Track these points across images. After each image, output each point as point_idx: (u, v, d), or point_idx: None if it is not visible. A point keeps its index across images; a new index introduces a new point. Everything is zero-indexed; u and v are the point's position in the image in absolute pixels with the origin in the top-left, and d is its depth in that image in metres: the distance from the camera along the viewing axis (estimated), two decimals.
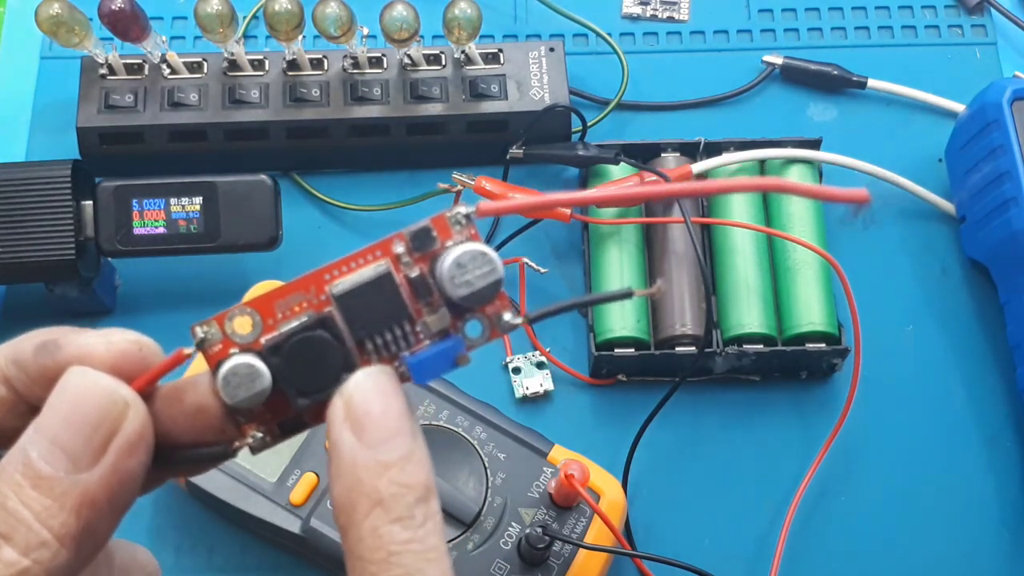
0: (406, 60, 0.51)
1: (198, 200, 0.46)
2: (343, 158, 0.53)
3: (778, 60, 0.55)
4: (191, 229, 0.46)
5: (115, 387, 0.22)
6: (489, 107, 0.51)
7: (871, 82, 0.55)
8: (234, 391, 0.22)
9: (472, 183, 0.49)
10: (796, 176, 0.50)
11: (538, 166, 0.52)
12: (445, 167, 0.51)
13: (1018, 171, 0.46)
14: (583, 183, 0.51)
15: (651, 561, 0.44)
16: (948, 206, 0.52)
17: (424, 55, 0.51)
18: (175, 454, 0.23)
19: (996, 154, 0.47)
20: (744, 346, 0.47)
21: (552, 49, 0.52)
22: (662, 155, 0.51)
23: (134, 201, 0.46)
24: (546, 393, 0.48)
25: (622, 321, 0.47)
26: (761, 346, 0.46)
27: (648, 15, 0.58)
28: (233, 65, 0.51)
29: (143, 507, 0.46)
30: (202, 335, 0.23)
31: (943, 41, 0.57)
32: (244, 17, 0.56)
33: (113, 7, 0.47)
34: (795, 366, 0.48)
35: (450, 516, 0.41)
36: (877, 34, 0.57)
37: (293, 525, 0.41)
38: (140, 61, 0.51)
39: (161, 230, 0.46)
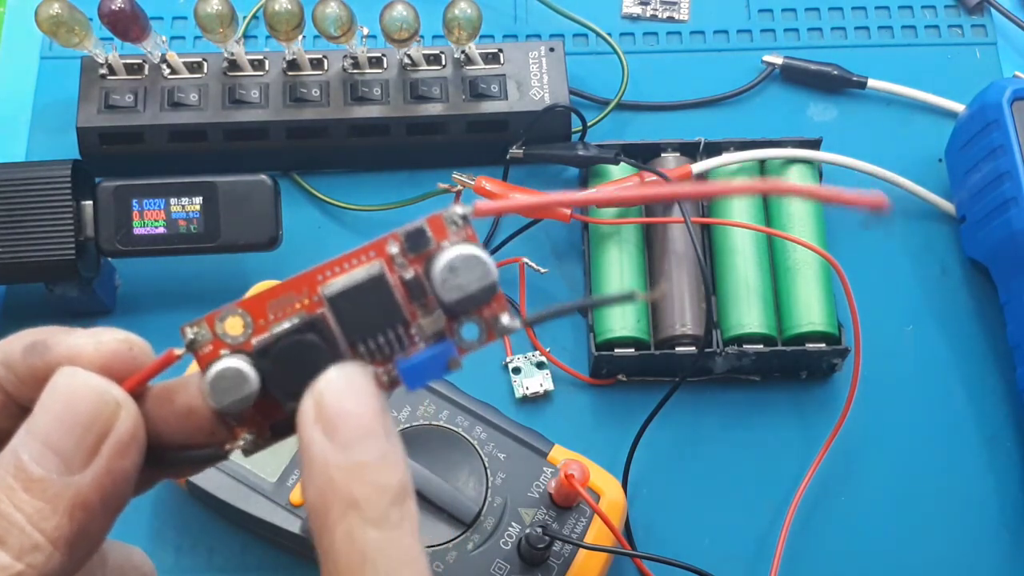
0: (406, 60, 0.51)
1: (198, 200, 0.46)
2: (343, 158, 0.53)
3: (778, 60, 0.55)
4: (191, 229, 0.46)
5: (106, 387, 0.21)
6: (489, 107, 0.51)
7: (871, 82, 0.55)
8: (221, 395, 0.22)
9: (472, 183, 0.49)
10: (796, 176, 0.50)
11: (538, 166, 0.52)
12: (445, 167, 0.51)
13: (1018, 171, 0.46)
14: (583, 183, 0.51)
15: (651, 561, 0.44)
16: (948, 206, 0.52)
17: (424, 55, 0.51)
18: (167, 455, 0.23)
19: (996, 154, 0.47)
20: (744, 346, 0.47)
21: (552, 49, 0.52)
22: (662, 155, 0.51)
23: (134, 201, 0.45)
24: (546, 393, 0.48)
25: (622, 321, 0.47)
26: (761, 346, 0.46)
27: (648, 15, 0.58)
28: (233, 65, 0.51)
29: (143, 507, 0.46)
30: (192, 336, 0.22)
31: (943, 41, 0.57)
32: (244, 17, 0.56)
33: (113, 7, 0.47)
34: (795, 366, 0.48)
35: (450, 516, 0.41)
36: (877, 34, 0.57)
37: (293, 525, 0.41)
38: (140, 61, 0.51)
39: (161, 230, 0.46)
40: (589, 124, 0.51)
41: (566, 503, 0.41)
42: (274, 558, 0.45)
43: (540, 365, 0.48)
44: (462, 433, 0.43)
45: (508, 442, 0.43)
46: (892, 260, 0.52)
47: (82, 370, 0.21)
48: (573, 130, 0.52)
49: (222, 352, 0.22)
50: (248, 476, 0.42)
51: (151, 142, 0.50)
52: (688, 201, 0.48)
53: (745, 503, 0.46)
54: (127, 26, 0.47)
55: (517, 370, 0.48)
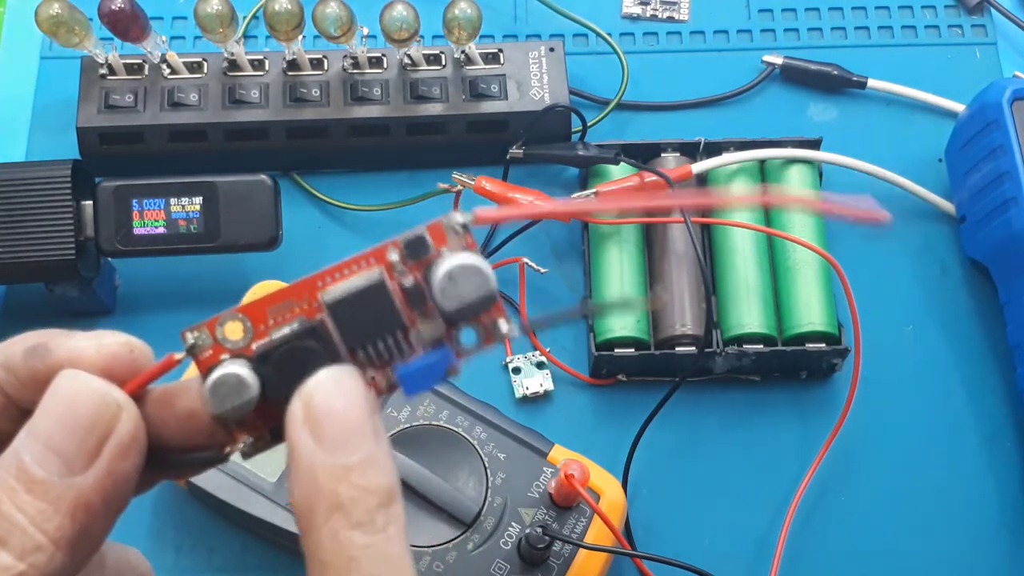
0: (406, 60, 0.51)
1: (198, 200, 0.46)
2: (343, 158, 0.53)
3: (778, 60, 0.55)
4: (191, 229, 0.46)
5: (107, 390, 0.21)
6: (489, 107, 0.51)
7: (871, 82, 0.55)
8: (221, 401, 0.22)
9: (472, 183, 0.49)
10: (796, 176, 0.50)
11: (538, 166, 0.52)
12: (445, 167, 0.51)
13: (1018, 171, 0.46)
14: (583, 183, 0.51)
15: (651, 561, 0.44)
16: (948, 206, 0.52)
17: (424, 55, 0.51)
18: (167, 457, 0.23)
19: (996, 154, 0.47)
20: (744, 346, 0.47)
21: (552, 49, 0.52)
22: (662, 155, 0.51)
23: (134, 201, 0.45)
24: (546, 393, 0.48)
25: (622, 321, 0.47)
26: (761, 346, 0.46)
27: (648, 15, 0.58)
28: (233, 65, 0.51)
29: (143, 507, 0.46)
30: (192, 340, 0.22)
31: (943, 41, 0.57)
32: (244, 17, 0.56)
33: (113, 7, 0.47)
34: (795, 366, 0.48)
35: (450, 516, 0.41)
36: (877, 34, 0.57)
37: (293, 525, 0.41)
38: (140, 61, 0.51)
39: (161, 230, 0.46)
40: (589, 124, 0.51)
41: (566, 503, 0.41)
42: (274, 558, 0.45)
43: (540, 365, 0.48)
44: (462, 433, 0.43)
45: (508, 442, 0.43)
46: (892, 260, 0.52)
47: (84, 373, 0.21)
48: (573, 130, 0.52)
49: (222, 357, 0.22)
50: (248, 476, 0.42)
51: (151, 142, 0.50)
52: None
53: (745, 503, 0.46)
54: (127, 26, 0.47)
55: (517, 370, 0.48)
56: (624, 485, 0.45)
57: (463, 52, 0.51)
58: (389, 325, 0.23)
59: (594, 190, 0.49)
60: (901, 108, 0.55)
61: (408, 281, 0.23)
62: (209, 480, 0.42)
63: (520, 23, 0.57)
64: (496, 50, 0.52)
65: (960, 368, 0.49)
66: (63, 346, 0.22)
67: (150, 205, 0.46)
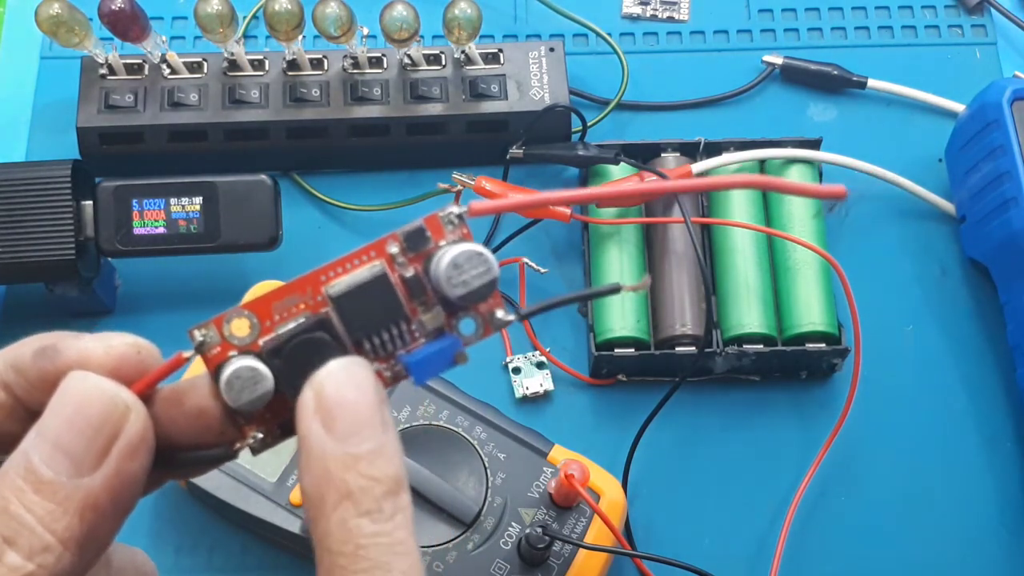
0: (406, 60, 0.51)
1: (198, 200, 0.46)
2: (343, 158, 0.53)
3: (778, 60, 0.55)
4: (191, 229, 0.46)
5: (116, 390, 0.22)
6: (489, 107, 0.51)
7: (871, 82, 0.55)
8: (238, 394, 0.22)
9: (472, 183, 0.49)
10: (796, 176, 0.50)
11: (538, 166, 0.52)
12: (445, 167, 0.51)
13: (1018, 171, 0.46)
14: (583, 183, 0.51)
15: (651, 561, 0.44)
16: (948, 206, 0.52)
17: (424, 55, 0.51)
18: (175, 456, 0.23)
19: (996, 154, 0.47)
20: (744, 346, 0.47)
21: (552, 49, 0.52)
22: (662, 155, 0.51)
23: (134, 201, 0.46)
24: (546, 393, 0.48)
25: (622, 321, 0.47)
26: (761, 346, 0.46)
27: (648, 15, 0.58)
28: (233, 65, 0.51)
29: (143, 507, 0.45)
30: (200, 338, 0.23)
31: (943, 41, 0.57)
32: (244, 17, 0.56)
33: (113, 7, 0.47)
34: (795, 366, 0.48)
35: (450, 516, 0.41)
36: (877, 34, 0.57)
37: (293, 525, 0.41)
38: (140, 61, 0.51)
39: (161, 230, 0.46)
40: (589, 124, 0.51)
41: (566, 503, 0.41)
42: (274, 558, 0.45)
43: (540, 365, 0.48)
44: (462, 433, 0.43)
45: (508, 442, 0.43)
46: (892, 260, 0.52)
47: (92, 374, 0.22)
48: (573, 130, 0.52)
49: (230, 354, 0.23)
50: (248, 476, 0.42)
51: (151, 142, 0.50)
52: (688, 201, 0.49)
53: (745, 503, 0.46)
54: (127, 26, 0.47)
55: (517, 370, 0.48)
56: (624, 485, 0.45)
57: (463, 52, 0.51)
58: (393, 316, 0.23)
59: (587, 189, 0.49)
60: (901, 108, 0.55)
61: (408, 272, 0.23)
62: (209, 480, 0.42)
63: (520, 23, 0.57)
64: (496, 50, 0.52)
65: (960, 368, 0.49)
66: (72, 347, 0.22)
67: (150, 205, 0.46)
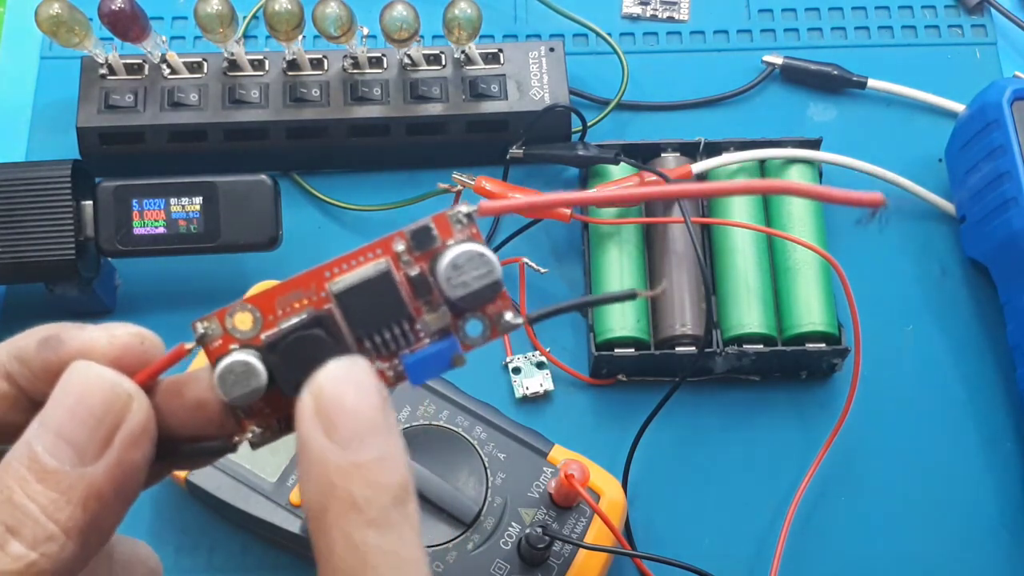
0: (406, 60, 0.51)
1: (198, 200, 0.46)
2: (343, 158, 0.53)
3: (778, 60, 0.55)
4: (191, 229, 0.46)
5: (119, 380, 0.22)
6: (489, 107, 0.51)
7: (871, 82, 0.55)
8: (230, 388, 0.22)
9: (472, 183, 0.49)
10: (796, 176, 0.50)
11: (538, 166, 0.52)
12: (445, 167, 0.51)
13: (1018, 171, 0.46)
14: (583, 183, 0.51)
15: (651, 561, 0.44)
16: (948, 206, 0.52)
17: (424, 55, 0.51)
18: (176, 448, 0.23)
19: (996, 154, 0.47)
20: (744, 346, 0.47)
21: (552, 49, 0.52)
22: (662, 155, 0.51)
23: (134, 201, 0.46)
24: (546, 393, 0.48)
25: (622, 321, 0.47)
26: (761, 346, 0.46)
27: (648, 15, 0.58)
28: (233, 65, 0.51)
29: (143, 507, 0.46)
30: (203, 330, 0.23)
31: (943, 41, 0.57)
32: (244, 17, 0.56)
33: (113, 7, 0.47)
34: (795, 366, 0.48)
35: (450, 516, 0.41)
36: (877, 34, 0.57)
37: (293, 525, 0.41)
38: (140, 61, 0.51)
39: (161, 230, 0.46)
40: (589, 124, 0.51)
41: (566, 503, 0.41)
42: (274, 558, 0.45)
43: (540, 365, 0.48)
44: (462, 433, 0.43)
45: (508, 442, 0.43)
46: (892, 260, 0.52)
47: (95, 364, 0.22)
48: (573, 130, 0.52)
49: (231, 347, 0.23)
50: (248, 476, 0.42)
51: (151, 142, 0.50)
52: (688, 201, 0.49)
53: (745, 503, 0.46)
54: (127, 26, 0.47)
55: (517, 370, 0.48)
56: (624, 485, 0.45)
57: (463, 52, 0.51)
58: (396, 315, 0.23)
59: (594, 190, 0.49)
60: (901, 108, 0.55)
61: (414, 271, 0.23)
62: (209, 480, 0.42)
63: (520, 23, 0.57)
64: (496, 50, 0.52)
65: (960, 368, 0.49)
66: (76, 338, 0.22)
67: (150, 205, 0.46)
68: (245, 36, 0.56)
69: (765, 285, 0.48)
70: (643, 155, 0.51)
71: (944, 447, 0.48)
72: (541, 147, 0.51)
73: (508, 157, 0.50)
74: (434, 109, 0.51)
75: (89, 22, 0.48)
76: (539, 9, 0.56)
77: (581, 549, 0.40)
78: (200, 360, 0.23)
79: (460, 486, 0.41)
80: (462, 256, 0.22)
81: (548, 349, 0.49)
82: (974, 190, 0.49)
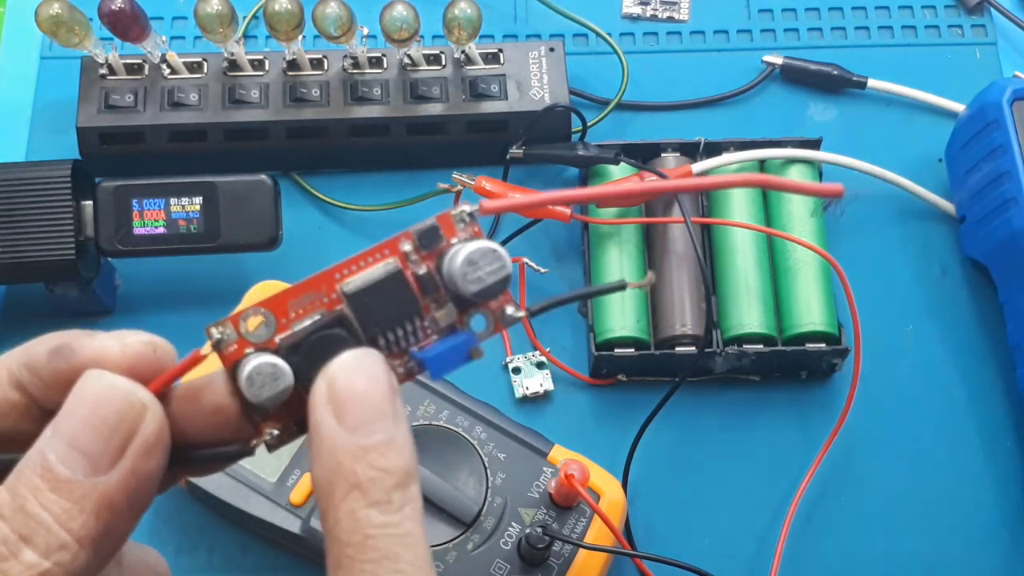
0: (406, 60, 0.51)
1: (198, 200, 0.46)
2: (343, 158, 0.53)
3: (778, 60, 0.55)
4: (191, 229, 0.46)
5: (132, 389, 0.22)
6: (489, 107, 0.51)
7: (871, 82, 0.55)
8: (258, 390, 0.22)
9: (472, 183, 0.49)
10: (796, 176, 0.50)
11: (538, 166, 0.52)
12: (445, 167, 0.51)
13: (1018, 171, 0.46)
14: (583, 183, 0.51)
15: (651, 561, 0.44)
16: (948, 206, 0.52)
17: (424, 55, 0.51)
18: (191, 454, 0.23)
19: (996, 154, 0.47)
20: (744, 346, 0.47)
21: (552, 49, 0.52)
22: (662, 155, 0.51)
23: (134, 201, 0.46)
24: (546, 393, 0.48)
25: (622, 321, 0.47)
26: (761, 346, 0.46)
27: (648, 15, 0.58)
28: (233, 65, 0.51)
29: None
30: (218, 335, 0.23)
31: (943, 41, 0.57)
32: (244, 17, 0.56)
33: (113, 7, 0.47)
34: (795, 366, 0.48)
35: (450, 516, 0.41)
36: (877, 34, 0.57)
37: (293, 525, 0.41)
38: (140, 61, 0.51)
39: (161, 230, 0.46)
40: (589, 124, 0.51)
41: (566, 503, 0.41)
42: (274, 558, 0.45)
43: (540, 365, 0.48)
44: (462, 433, 0.43)
45: (508, 442, 0.43)
46: (892, 260, 0.52)
47: (109, 373, 0.22)
48: (573, 130, 0.52)
49: (246, 351, 0.23)
50: (248, 476, 0.42)
51: (151, 142, 0.50)
52: (688, 201, 0.49)
53: (745, 503, 0.46)
54: (127, 26, 0.47)
55: (517, 370, 0.48)
56: (624, 485, 0.45)
57: (463, 52, 0.51)
58: (407, 313, 0.24)
59: (593, 188, 0.49)
60: (901, 108, 0.55)
61: (421, 270, 0.24)
62: (209, 480, 0.42)
63: (520, 23, 0.57)
64: (496, 50, 0.52)
65: (960, 368, 0.49)
66: (87, 346, 0.22)
67: (150, 205, 0.46)
68: (245, 36, 0.56)
69: (765, 285, 0.48)
70: (643, 155, 0.51)
71: (944, 447, 0.48)
72: (541, 147, 0.51)
73: (508, 157, 0.50)
74: (434, 109, 0.51)
75: (89, 22, 0.48)
76: (539, 9, 0.56)
77: (581, 549, 0.40)
78: (203, 367, 0.23)
79: (460, 486, 0.41)
80: (477, 252, 0.23)
81: (548, 349, 0.49)
82: (974, 190, 0.49)
